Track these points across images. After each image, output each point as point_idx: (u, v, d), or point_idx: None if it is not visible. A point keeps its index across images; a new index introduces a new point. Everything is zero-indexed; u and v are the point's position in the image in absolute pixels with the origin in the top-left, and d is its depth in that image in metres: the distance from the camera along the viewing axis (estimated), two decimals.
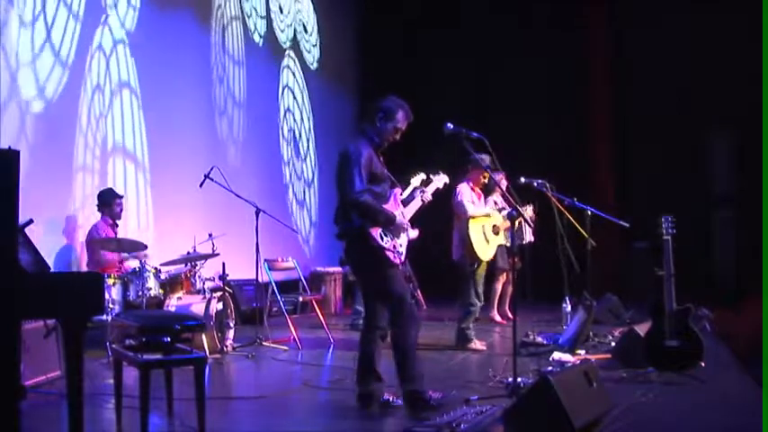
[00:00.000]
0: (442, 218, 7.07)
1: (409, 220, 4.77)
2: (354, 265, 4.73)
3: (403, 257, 4.57)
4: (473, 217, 6.82)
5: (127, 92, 7.51)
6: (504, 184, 7.18)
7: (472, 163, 6.75)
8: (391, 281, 4.44)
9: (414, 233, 4.74)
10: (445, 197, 6.68)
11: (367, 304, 4.69)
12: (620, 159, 11.73)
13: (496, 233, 7.06)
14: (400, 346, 4.41)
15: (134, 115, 7.62)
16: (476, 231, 6.83)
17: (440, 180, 5.74)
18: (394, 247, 4.47)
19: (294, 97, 11.26)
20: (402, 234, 4.56)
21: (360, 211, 4.38)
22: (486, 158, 6.62)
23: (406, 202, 4.95)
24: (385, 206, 4.50)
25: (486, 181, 7.07)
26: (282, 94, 10.83)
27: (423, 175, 6.01)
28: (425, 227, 5.03)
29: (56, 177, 6.53)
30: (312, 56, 11.90)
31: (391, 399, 4.55)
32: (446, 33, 11.85)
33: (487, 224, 6.97)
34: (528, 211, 7.83)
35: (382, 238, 4.40)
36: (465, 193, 6.92)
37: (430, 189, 5.59)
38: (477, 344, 6.78)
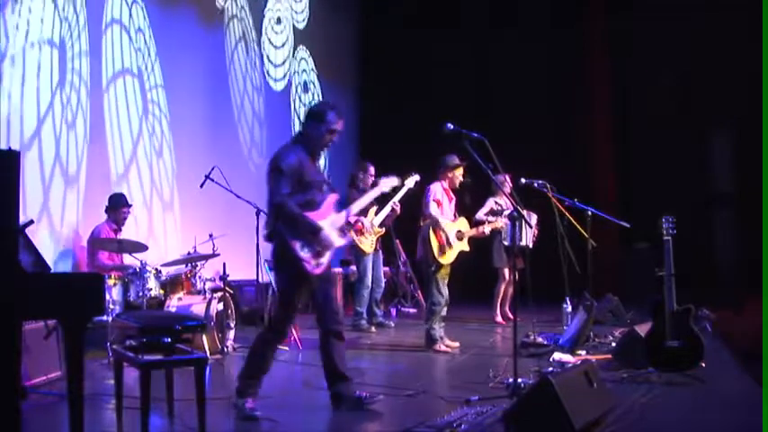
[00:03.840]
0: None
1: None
2: (274, 265, 4.65)
3: (323, 269, 4.40)
4: (431, 217, 6.63)
5: (131, 90, 7.53)
6: (507, 187, 7.16)
7: (441, 164, 6.74)
8: (295, 291, 4.42)
9: (342, 241, 4.57)
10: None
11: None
12: (620, 159, 11.72)
13: (460, 239, 6.75)
14: (256, 347, 4.48)
15: (135, 112, 7.64)
16: (436, 234, 6.63)
17: (411, 180, 6.35)
18: (314, 258, 4.36)
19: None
20: (327, 248, 4.41)
21: (283, 217, 4.33)
22: (455, 158, 6.64)
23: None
24: (315, 213, 4.38)
25: (462, 180, 6.84)
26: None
27: (417, 177, 6.44)
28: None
29: (57, 177, 6.53)
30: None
31: (365, 395, 4.53)
32: (446, 33, 11.84)
33: (451, 229, 6.71)
34: (533, 219, 7.81)
35: (302, 249, 4.32)
36: (435, 191, 6.74)
37: (404, 189, 6.33)
38: (442, 345, 6.59)
